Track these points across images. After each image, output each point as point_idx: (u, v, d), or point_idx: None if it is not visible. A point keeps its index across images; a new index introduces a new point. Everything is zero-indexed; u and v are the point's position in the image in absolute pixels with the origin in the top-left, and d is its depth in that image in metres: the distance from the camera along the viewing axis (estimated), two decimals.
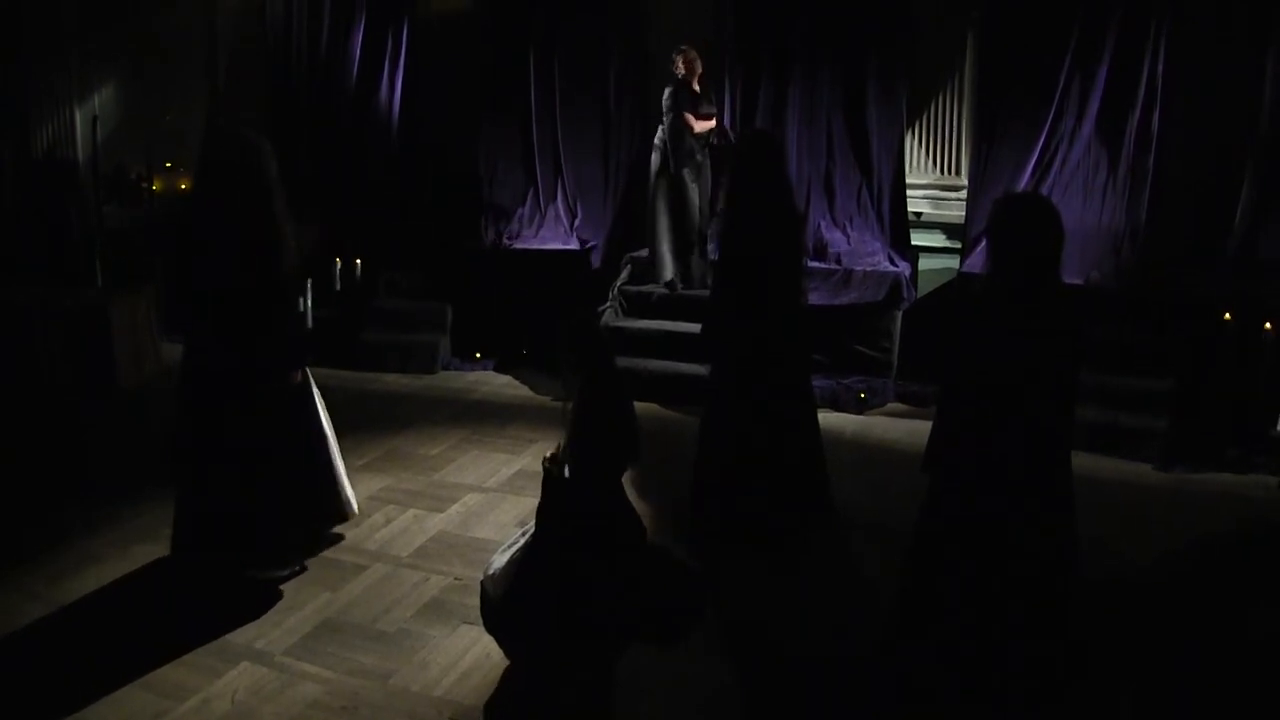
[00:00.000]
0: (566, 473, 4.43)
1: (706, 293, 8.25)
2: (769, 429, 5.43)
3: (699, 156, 8.52)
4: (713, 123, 8.58)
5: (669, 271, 8.66)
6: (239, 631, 4.64)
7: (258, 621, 4.72)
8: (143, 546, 5.49)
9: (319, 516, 5.38)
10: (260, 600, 4.87)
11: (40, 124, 10.62)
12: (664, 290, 8.68)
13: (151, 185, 10.43)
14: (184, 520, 5.12)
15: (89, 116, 10.48)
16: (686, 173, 8.43)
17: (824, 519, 5.68)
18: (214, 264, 4.84)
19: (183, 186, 10.70)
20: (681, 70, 8.40)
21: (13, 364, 8.20)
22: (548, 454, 4.53)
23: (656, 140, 8.56)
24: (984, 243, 5.06)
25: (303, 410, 5.21)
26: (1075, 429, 4.08)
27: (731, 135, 8.58)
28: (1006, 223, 3.90)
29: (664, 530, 5.40)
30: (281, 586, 5.01)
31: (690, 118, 8.39)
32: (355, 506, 5.54)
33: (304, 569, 5.25)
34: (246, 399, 4.91)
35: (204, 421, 4.97)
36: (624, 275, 9.02)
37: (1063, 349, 3.86)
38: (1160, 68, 7.49)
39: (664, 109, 8.40)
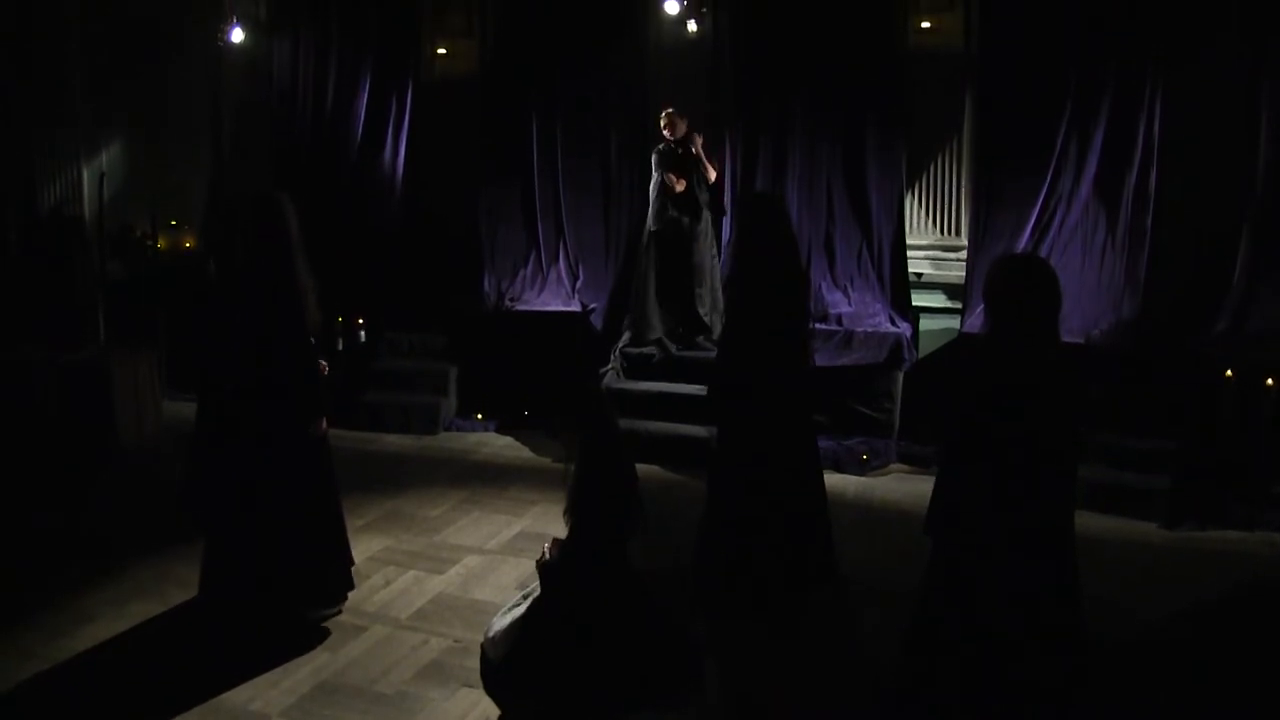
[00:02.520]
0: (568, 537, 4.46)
1: (704, 354, 8.35)
2: (775, 491, 5.40)
3: (681, 216, 8.64)
4: (710, 175, 8.75)
5: (655, 330, 8.78)
6: (235, 691, 4.57)
7: (254, 682, 4.66)
8: (140, 604, 5.45)
9: (343, 562, 5.39)
10: (257, 660, 4.81)
11: (48, 181, 10.71)
12: (656, 352, 8.73)
13: (156, 243, 10.50)
14: (217, 568, 5.16)
15: (96, 173, 10.57)
16: (667, 231, 8.64)
17: (829, 583, 5.62)
18: (238, 319, 4.96)
19: (187, 245, 10.77)
20: (664, 131, 8.63)
21: (14, 421, 8.18)
22: (541, 554, 4.58)
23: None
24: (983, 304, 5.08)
25: (325, 460, 5.25)
26: (1078, 488, 4.06)
27: (699, 150, 8.70)
28: (1003, 285, 3.92)
29: (667, 593, 5.35)
30: (278, 647, 4.95)
31: (672, 177, 8.56)
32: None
33: (341, 611, 5.31)
34: (273, 449, 5.00)
35: (232, 472, 5.05)
36: (625, 337, 9.03)
37: (1063, 408, 3.86)
38: (1156, 128, 7.58)
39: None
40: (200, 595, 5.27)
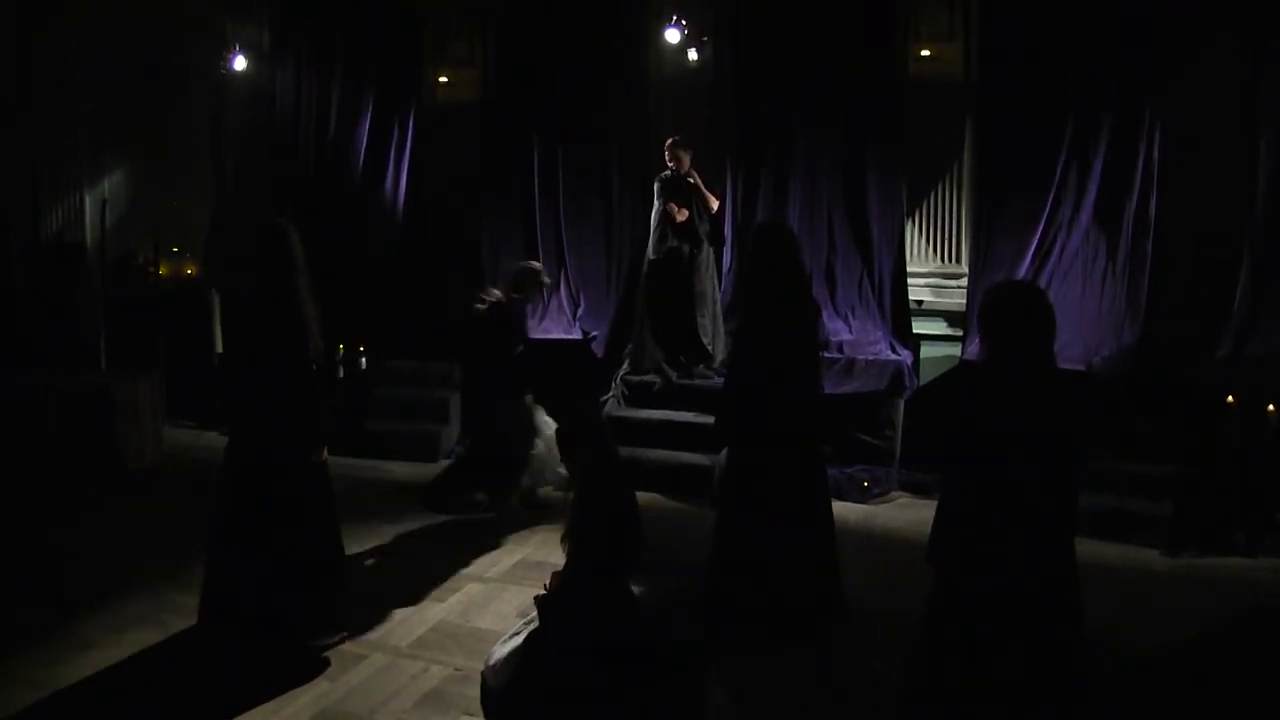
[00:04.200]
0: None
1: (705, 382, 8.34)
2: (783, 521, 5.37)
3: (682, 245, 8.64)
4: (713, 204, 8.76)
5: (656, 358, 8.80)
6: None
7: (254, 711, 4.62)
8: (140, 632, 5.42)
9: (344, 589, 5.38)
10: (257, 689, 4.78)
11: (51, 207, 10.74)
12: (657, 380, 8.73)
13: (158, 269, 10.53)
14: (217, 595, 5.16)
15: (98, 200, 10.61)
16: (667, 260, 8.63)
17: (835, 613, 5.58)
18: (242, 345, 5.05)
19: (189, 271, 10.80)
20: (667, 162, 8.62)
21: (16, 444, 8.18)
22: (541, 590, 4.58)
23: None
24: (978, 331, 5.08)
25: (325, 487, 5.26)
26: (1081, 515, 4.05)
27: (696, 181, 8.70)
28: (996, 312, 3.93)
29: (667, 618, 5.34)
30: (278, 675, 4.92)
31: (674, 206, 8.56)
32: None
33: (346, 638, 5.28)
34: (276, 475, 5.01)
35: (239, 497, 5.06)
36: (626, 365, 9.03)
37: (1062, 434, 3.86)
38: (1156, 155, 7.61)
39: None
40: (200, 623, 5.26)
